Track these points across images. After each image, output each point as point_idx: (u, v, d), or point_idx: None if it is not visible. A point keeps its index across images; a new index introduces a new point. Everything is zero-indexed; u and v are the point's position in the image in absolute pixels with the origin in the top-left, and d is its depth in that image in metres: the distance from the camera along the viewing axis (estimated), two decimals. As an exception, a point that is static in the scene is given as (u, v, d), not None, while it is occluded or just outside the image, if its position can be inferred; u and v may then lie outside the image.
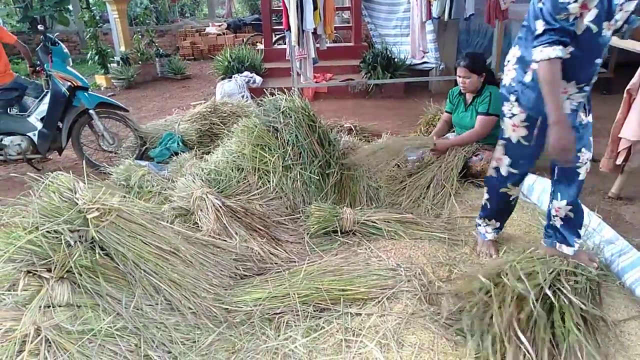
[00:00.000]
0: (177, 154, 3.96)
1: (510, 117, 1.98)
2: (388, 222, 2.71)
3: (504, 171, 2.13)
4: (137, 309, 1.97)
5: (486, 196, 2.35)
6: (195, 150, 3.99)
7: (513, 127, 1.98)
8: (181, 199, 2.77)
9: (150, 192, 3.08)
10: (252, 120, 3.15)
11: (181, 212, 2.73)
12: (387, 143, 3.38)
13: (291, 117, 3.01)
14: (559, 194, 2.06)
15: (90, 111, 3.95)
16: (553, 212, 2.12)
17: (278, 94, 3.20)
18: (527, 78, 1.88)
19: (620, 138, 2.85)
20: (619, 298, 2.09)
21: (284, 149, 2.98)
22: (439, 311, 2.01)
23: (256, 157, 2.99)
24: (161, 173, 3.43)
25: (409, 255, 2.43)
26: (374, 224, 2.69)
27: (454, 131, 3.55)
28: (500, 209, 2.36)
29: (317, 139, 3.03)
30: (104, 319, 1.88)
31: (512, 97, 1.94)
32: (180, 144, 4.13)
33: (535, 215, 2.82)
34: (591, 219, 2.55)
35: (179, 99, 7.16)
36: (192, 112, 4.48)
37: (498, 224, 2.43)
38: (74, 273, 1.90)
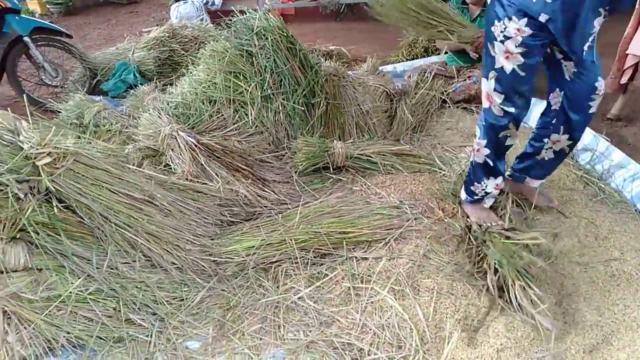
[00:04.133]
0: (134, 86, 3.49)
1: (502, 41, 1.59)
2: (383, 155, 2.47)
3: (496, 110, 1.73)
4: (112, 269, 1.70)
5: (476, 147, 1.85)
6: (156, 82, 3.52)
7: (506, 54, 1.60)
8: (147, 138, 2.40)
9: (109, 131, 2.68)
10: (222, 43, 2.72)
11: (149, 153, 2.38)
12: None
13: (267, 39, 2.62)
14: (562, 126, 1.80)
15: (25, 38, 3.38)
16: (549, 145, 1.87)
17: (249, 13, 2.77)
18: None
19: (627, 55, 2.66)
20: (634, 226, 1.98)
21: (261, 76, 2.61)
22: (453, 250, 1.85)
23: (230, 87, 2.60)
24: (118, 109, 3.00)
25: (411, 191, 2.22)
26: (369, 158, 2.44)
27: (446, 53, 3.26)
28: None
29: (299, 64, 2.67)
30: (72, 283, 1.60)
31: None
32: (137, 75, 3.64)
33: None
34: (598, 142, 2.40)
35: (127, 25, 6.43)
36: (147, 38, 3.93)
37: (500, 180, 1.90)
38: (28, 232, 1.59)
